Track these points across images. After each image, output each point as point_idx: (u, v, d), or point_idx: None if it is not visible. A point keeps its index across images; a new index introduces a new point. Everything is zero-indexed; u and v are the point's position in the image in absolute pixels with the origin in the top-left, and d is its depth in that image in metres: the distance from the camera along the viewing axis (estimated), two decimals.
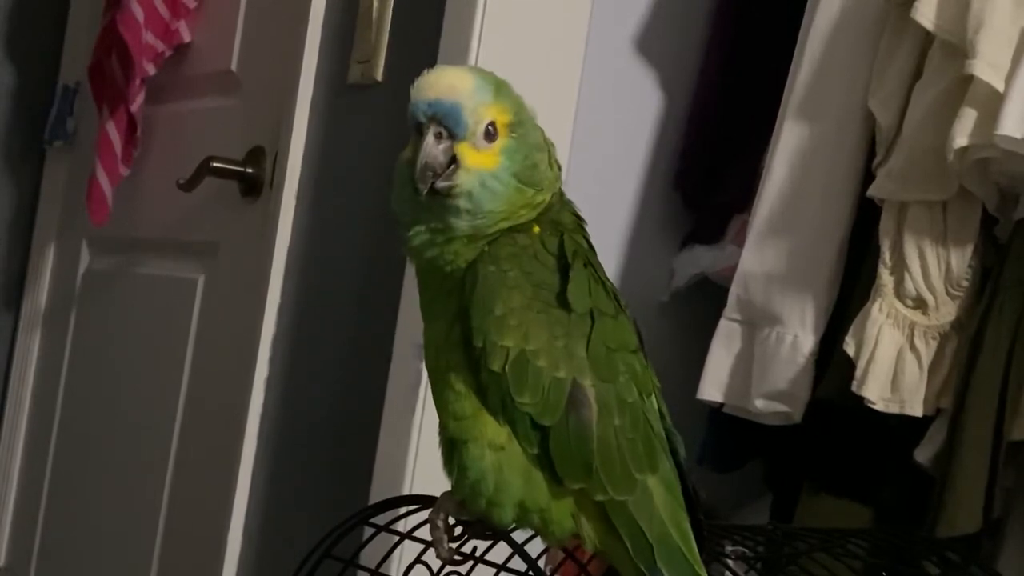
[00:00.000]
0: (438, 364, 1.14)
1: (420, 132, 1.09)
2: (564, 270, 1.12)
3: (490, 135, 1.10)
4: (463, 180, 1.09)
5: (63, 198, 2.99)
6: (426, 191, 1.08)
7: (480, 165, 1.10)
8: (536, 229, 1.13)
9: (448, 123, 1.09)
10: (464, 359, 1.12)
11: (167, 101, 2.65)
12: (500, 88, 1.12)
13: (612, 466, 1.11)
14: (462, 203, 1.10)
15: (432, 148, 1.08)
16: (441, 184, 1.09)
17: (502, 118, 1.11)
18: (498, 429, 1.11)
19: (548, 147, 1.16)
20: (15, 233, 3.07)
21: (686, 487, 1.16)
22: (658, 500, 1.13)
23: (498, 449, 1.11)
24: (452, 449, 1.13)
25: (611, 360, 1.12)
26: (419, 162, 1.08)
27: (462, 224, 1.11)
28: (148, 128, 2.62)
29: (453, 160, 1.09)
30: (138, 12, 2.53)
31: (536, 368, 1.10)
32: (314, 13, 2.24)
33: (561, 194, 1.18)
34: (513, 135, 1.11)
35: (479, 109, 1.09)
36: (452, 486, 1.14)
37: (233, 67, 2.49)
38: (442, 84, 1.10)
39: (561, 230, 1.14)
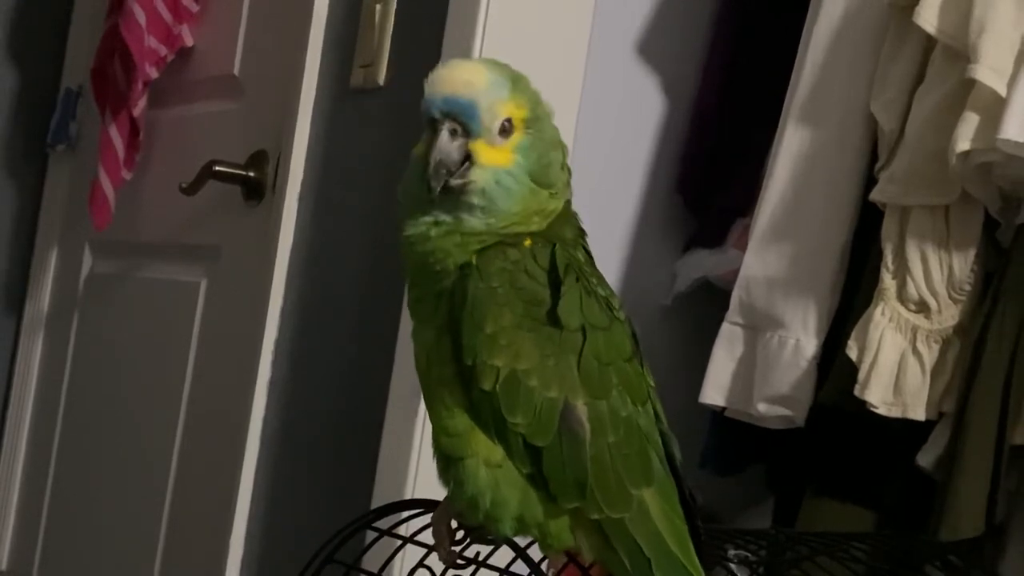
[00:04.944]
0: (429, 374, 1.13)
1: (434, 128, 1.07)
2: (556, 284, 1.09)
3: (506, 131, 1.08)
4: (478, 177, 1.07)
5: (66, 202, 2.99)
6: (439, 189, 1.06)
7: (495, 162, 1.08)
8: (528, 242, 1.10)
9: (463, 120, 1.07)
10: (455, 374, 1.10)
11: (169, 105, 2.65)
12: (517, 83, 1.10)
13: (607, 485, 1.10)
14: (476, 200, 1.08)
15: (446, 145, 1.06)
16: (455, 181, 1.07)
17: (518, 113, 1.09)
18: (493, 447, 1.10)
19: (563, 146, 1.14)
20: (17, 236, 3.07)
21: (682, 492, 1.15)
22: (654, 513, 1.12)
23: (495, 466, 1.10)
24: (448, 463, 1.12)
25: (604, 375, 1.10)
26: (432, 159, 1.06)
27: (473, 220, 1.09)
28: (150, 132, 2.62)
29: (467, 157, 1.07)
30: (140, 16, 2.53)
31: (527, 388, 1.08)
32: (316, 17, 2.24)
33: (568, 204, 1.16)
34: (529, 131, 1.09)
35: (495, 106, 1.07)
36: (450, 497, 1.13)
37: (235, 71, 2.49)
38: (457, 80, 1.07)
39: (555, 241, 1.11)
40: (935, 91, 1.63)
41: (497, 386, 1.08)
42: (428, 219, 1.09)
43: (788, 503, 1.83)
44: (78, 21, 3.05)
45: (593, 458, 1.09)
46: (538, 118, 1.11)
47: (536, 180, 1.10)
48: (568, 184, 1.15)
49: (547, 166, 1.11)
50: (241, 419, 2.24)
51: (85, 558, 2.70)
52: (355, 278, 2.12)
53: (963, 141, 1.55)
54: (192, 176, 2.37)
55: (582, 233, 1.17)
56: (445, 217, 1.09)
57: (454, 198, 1.08)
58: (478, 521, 1.11)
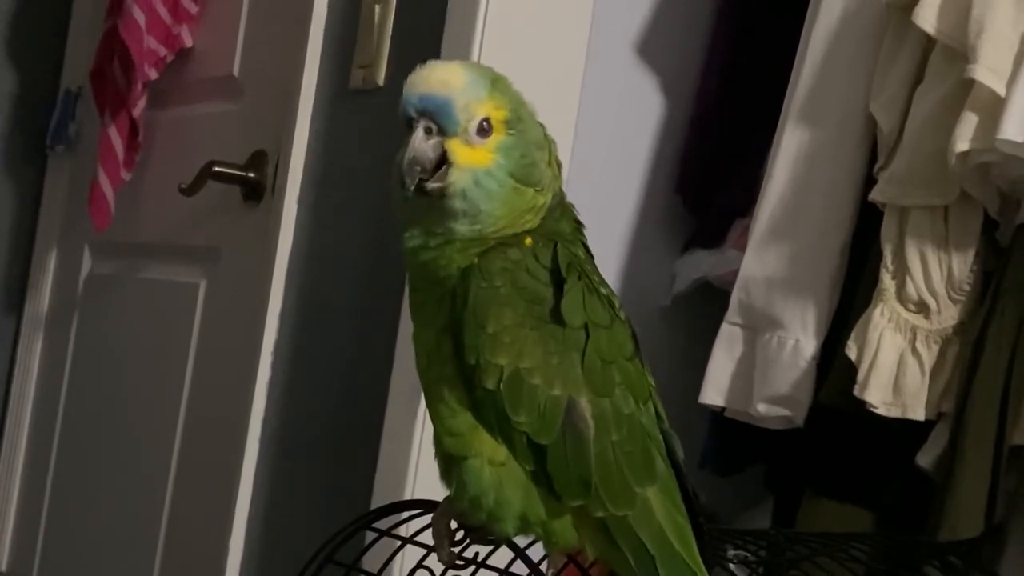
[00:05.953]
0: (430, 374, 1.13)
1: (411, 128, 1.07)
2: (558, 283, 1.09)
3: (484, 131, 1.07)
4: (456, 179, 1.06)
5: (65, 203, 3.00)
6: (413, 187, 1.05)
7: (473, 162, 1.07)
8: (528, 241, 1.10)
9: (438, 118, 1.06)
10: (457, 374, 1.10)
11: (169, 106, 2.65)
12: (497, 83, 1.09)
13: (611, 483, 1.10)
14: (457, 203, 1.07)
15: (420, 143, 1.05)
16: (432, 185, 1.06)
17: (498, 114, 1.08)
18: (496, 446, 1.10)
19: (549, 144, 1.13)
20: (17, 238, 3.07)
21: (685, 489, 1.16)
22: (658, 510, 1.12)
23: (498, 465, 1.10)
24: (450, 463, 1.11)
25: (607, 373, 1.10)
26: (406, 157, 1.05)
27: (461, 228, 1.08)
28: (150, 133, 2.63)
29: (445, 159, 1.06)
30: (140, 17, 2.53)
31: (531, 386, 1.08)
32: (316, 17, 2.24)
33: (563, 197, 1.16)
34: (511, 131, 1.08)
35: (471, 105, 1.06)
36: (451, 497, 1.13)
37: (235, 71, 2.49)
38: (433, 79, 1.07)
39: (555, 239, 1.11)
40: (934, 91, 1.63)
41: (501, 385, 1.08)
42: (420, 230, 1.09)
43: (787, 503, 1.83)
44: (78, 22, 3.05)
45: (597, 455, 1.09)
46: (520, 119, 1.09)
47: (519, 180, 1.09)
48: (557, 177, 1.14)
49: (530, 165, 1.10)
50: (241, 420, 2.24)
51: (85, 558, 2.70)
52: (355, 278, 2.12)
53: (962, 141, 1.55)
54: (191, 177, 2.37)
55: (580, 225, 1.17)
56: (435, 228, 1.08)
57: (434, 202, 1.07)
58: (481, 521, 1.11)
